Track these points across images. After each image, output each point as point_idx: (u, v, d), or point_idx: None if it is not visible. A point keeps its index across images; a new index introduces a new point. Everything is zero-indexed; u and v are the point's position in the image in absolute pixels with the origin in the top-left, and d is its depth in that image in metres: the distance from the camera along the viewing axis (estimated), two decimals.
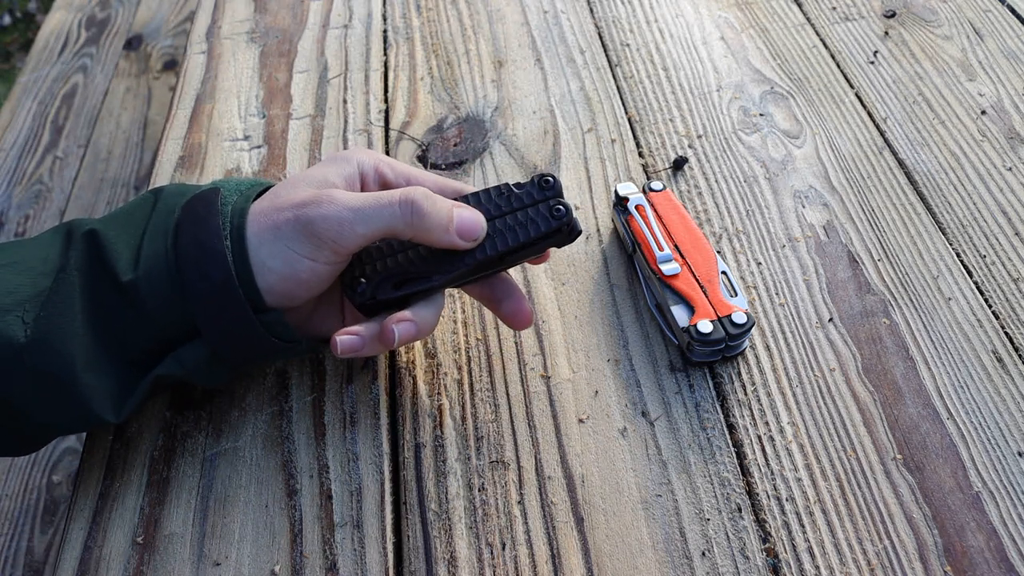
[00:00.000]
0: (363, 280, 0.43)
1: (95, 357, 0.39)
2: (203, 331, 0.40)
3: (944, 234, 0.54)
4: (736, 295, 0.48)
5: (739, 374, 0.47)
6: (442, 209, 0.41)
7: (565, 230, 0.43)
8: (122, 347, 0.40)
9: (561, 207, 0.43)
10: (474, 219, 0.42)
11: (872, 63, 0.67)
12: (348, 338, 0.42)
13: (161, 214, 0.42)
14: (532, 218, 0.43)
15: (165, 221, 0.41)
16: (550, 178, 0.43)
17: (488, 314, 0.51)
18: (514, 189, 0.44)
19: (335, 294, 0.46)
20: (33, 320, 0.38)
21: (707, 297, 0.48)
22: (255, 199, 0.43)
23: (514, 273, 0.53)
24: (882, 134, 0.61)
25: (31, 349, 0.38)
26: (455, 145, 0.62)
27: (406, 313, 0.42)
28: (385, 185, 0.45)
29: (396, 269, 0.43)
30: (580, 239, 0.55)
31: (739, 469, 0.43)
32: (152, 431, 0.47)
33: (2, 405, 0.39)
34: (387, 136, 0.64)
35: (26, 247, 0.42)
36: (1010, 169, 0.58)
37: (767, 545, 0.41)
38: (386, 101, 0.67)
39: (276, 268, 0.40)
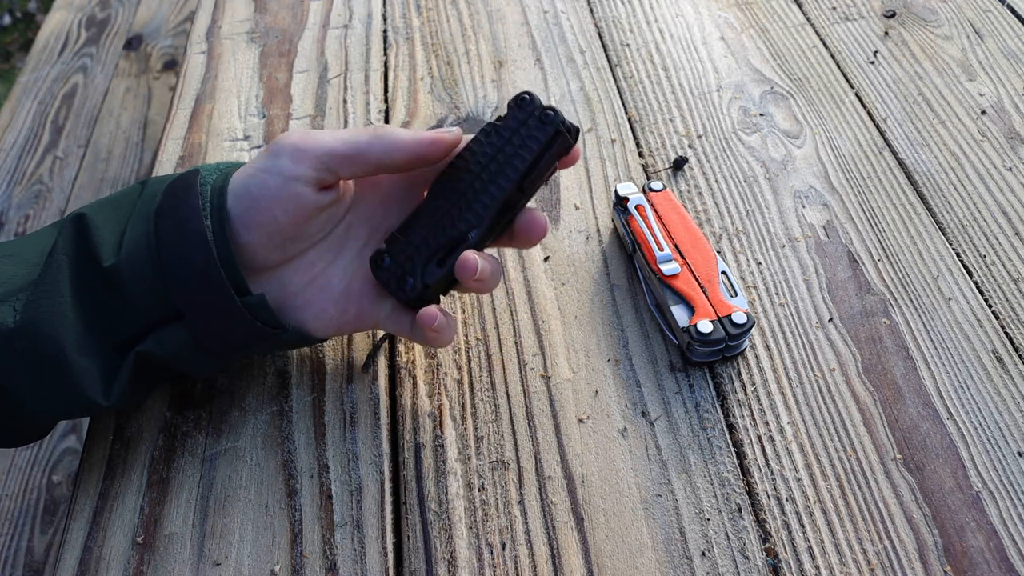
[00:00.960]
0: (409, 277, 0.42)
1: (85, 341, 0.40)
2: (185, 314, 0.40)
3: (944, 234, 0.54)
4: (736, 295, 0.48)
5: (739, 374, 0.47)
6: (406, 131, 0.41)
7: (563, 129, 0.41)
8: (108, 331, 0.40)
9: (549, 111, 0.41)
10: (440, 131, 0.42)
11: (872, 63, 0.67)
12: (442, 319, 0.42)
13: (146, 200, 0.42)
14: (530, 134, 0.41)
15: (148, 206, 0.41)
16: (525, 95, 0.42)
17: (488, 314, 0.51)
18: (497, 123, 0.42)
19: (328, 282, 0.44)
20: (23, 306, 0.38)
21: (707, 297, 0.48)
22: None
23: (514, 273, 0.53)
24: (882, 134, 0.61)
25: (20, 333, 0.38)
26: None
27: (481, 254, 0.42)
28: None
29: (432, 244, 0.42)
30: (580, 239, 0.55)
31: (739, 469, 0.43)
32: (152, 431, 0.47)
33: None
34: None
35: (25, 241, 0.42)
36: (1010, 169, 0.58)
37: (767, 545, 0.41)
38: (386, 101, 0.67)
39: (234, 190, 0.40)
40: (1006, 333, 0.48)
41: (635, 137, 0.62)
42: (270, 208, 0.40)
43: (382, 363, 0.49)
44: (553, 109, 0.41)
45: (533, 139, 0.41)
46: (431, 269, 0.42)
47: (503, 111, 0.64)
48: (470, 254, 0.41)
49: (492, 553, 0.41)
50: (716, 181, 0.58)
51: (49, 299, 0.39)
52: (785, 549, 0.41)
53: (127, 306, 0.40)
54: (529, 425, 0.45)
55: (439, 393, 0.47)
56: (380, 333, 0.50)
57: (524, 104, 0.41)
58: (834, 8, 0.73)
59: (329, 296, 0.44)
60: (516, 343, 0.49)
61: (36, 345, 0.38)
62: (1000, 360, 0.47)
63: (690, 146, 0.61)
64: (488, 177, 0.41)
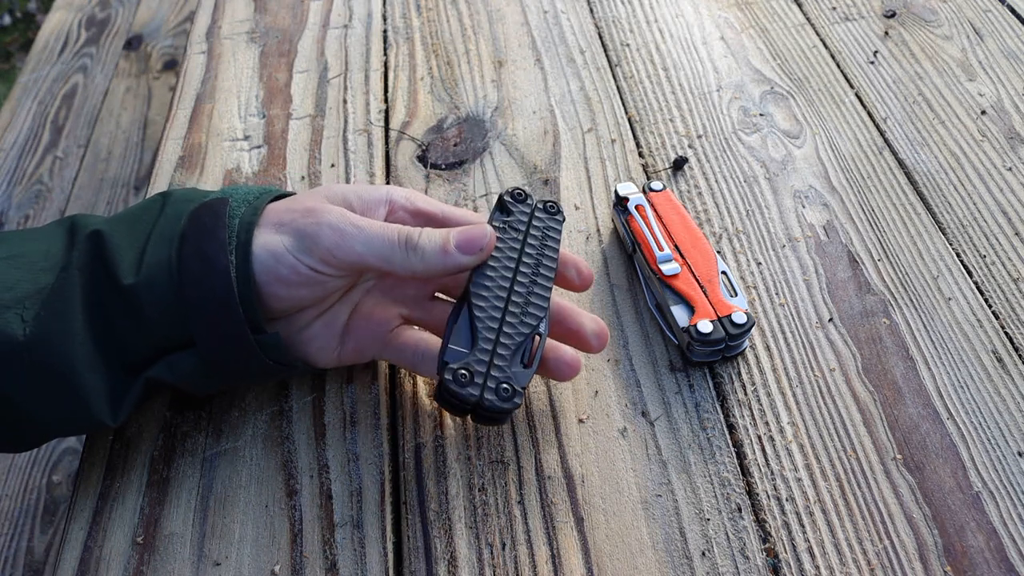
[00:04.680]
0: (503, 387, 0.40)
1: (94, 358, 0.39)
2: (199, 344, 0.40)
3: (944, 234, 0.54)
4: (736, 295, 0.48)
5: (739, 374, 0.47)
6: (436, 236, 0.41)
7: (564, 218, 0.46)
8: (119, 351, 0.40)
9: (552, 204, 0.46)
10: (475, 231, 0.41)
11: (872, 63, 0.67)
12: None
13: (168, 219, 0.41)
14: (548, 227, 0.45)
15: (171, 228, 0.41)
16: (519, 191, 0.45)
17: None
18: (505, 219, 0.44)
19: (335, 318, 0.45)
20: (33, 318, 0.38)
21: (707, 297, 0.48)
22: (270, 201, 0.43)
23: None
24: (882, 134, 0.61)
25: (30, 347, 0.38)
26: (455, 145, 0.62)
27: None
28: (417, 211, 0.44)
29: (507, 349, 0.41)
30: (580, 239, 0.55)
31: (739, 469, 0.43)
32: (152, 431, 0.47)
33: (2, 402, 0.39)
34: (387, 136, 0.64)
35: (27, 241, 0.41)
36: (1010, 169, 0.58)
37: (767, 545, 0.41)
38: (386, 101, 0.67)
39: (262, 257, 0.40)
40: (1006, 333, 0.48)
41: (635, 137, 0.62)
42: (296, 288, 0.41)
43: (382, 363, 0.49)
44: (555, 202, 0.46)
45: (553, 231, 0.45)
46: (519, 373, 0.41)
47: (503, 111, 0.65)
48: (575, 356, 0.44)
49: (492, 553, 0.41)
50: (716, 181, 0.58)
51: (61, 315, 0.39)
52: (785, 549, 0.41)
53: (141, 327, 0.40)
54: (529, 425, 0.45)
55: None
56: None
57: (521, 199, 0.45)
58: (834, 8, 0.73)
59: (334, 330, 0.45)
60: None
61: (46, 360, 0.38)
62: (1000, 360, 0.47)
63: (690, 146, 0.61)
64: (528, 272, 0.43)
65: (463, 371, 0.39)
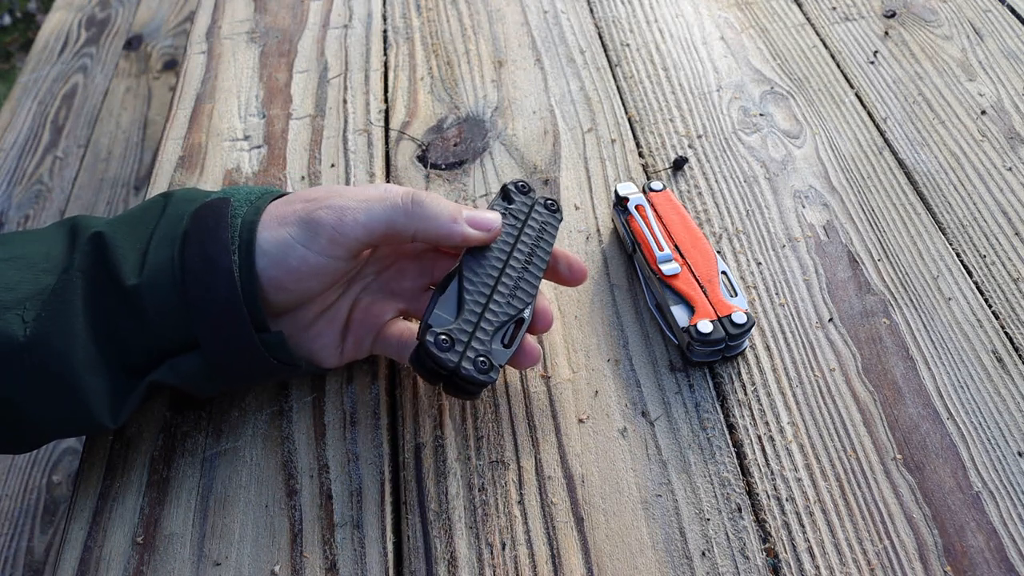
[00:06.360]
0: (480, 360, 0.40)
1: (95, 360, 0.39)
2: (203, 345, 0.40)
3: (944, 234, 0.54)
4: (736, 295, 0.48)
5: (739, 374, 0.47)
6: (447, 205, 0.42)
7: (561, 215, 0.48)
8: (121, 352, 0.40)
9: (552, 201, 0.47)
10: (488, 214, 0.43)
11: (872, 63, 0.67)
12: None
13: (170, 220, 0.41)
14: (546, 222, 0.46)
15: (173, 228, 0.41)
16: (523, 183, 0.47)
17: None
18: (507, 205, 0.46)
19: (337, 314, 0.45)
20: (33, 319, 0.38)
21: (707, 297, 0.48)
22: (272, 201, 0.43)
23: None
24: (882, 134, 0.61)
25: (31, 348, 0.38)
26: (455, 145, 0.62)
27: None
28: None
29: (489, 327, 0.41)
30: (580, 239, 0.55)
31: (739, 469, 0.43)
32: (152, 431, 0.47)
33: (2, 403, 0.39)
34: (387, 136, 0.64)
35: (27, 242, 0.41)
36: (1010, 169, 0.58)
37: (767, 545, 0.41)
38: (386, 101, 0.67)
39: (270, 251, 0.40)
40: (1006, 333, 0.48)
41: (635, 137, 0.62)
42: (307, 279, 0.41)
43: (382, 363, 0.49)
44: (555, 200, 0.48)
45: (550, 226, 0.46)
46: (498, 351, 0.41)
47: (503, 111, 0.65)
48: (535, 346, 0.44)
49: (492, 553, 0.41)
50: (716, 181, 0.58)
51: (62, 317, 0.38)
52: (785, 549, 0.41)
53: (144, 329, 0.40)
54: (529, 425, 0.45)
55: (439, 393, 0.47)
56: None
57: (525, 191, 0.47)
58: (834, 8, 0.73)
59: (336, 326, 0.45)
60: None
61: (46, 362, 0.38)
62: (1000, 360, 0.47)
63: (690, 146, 0.61)
64: (521, 260, 0.44)
65: (444, 336, 0.40)
